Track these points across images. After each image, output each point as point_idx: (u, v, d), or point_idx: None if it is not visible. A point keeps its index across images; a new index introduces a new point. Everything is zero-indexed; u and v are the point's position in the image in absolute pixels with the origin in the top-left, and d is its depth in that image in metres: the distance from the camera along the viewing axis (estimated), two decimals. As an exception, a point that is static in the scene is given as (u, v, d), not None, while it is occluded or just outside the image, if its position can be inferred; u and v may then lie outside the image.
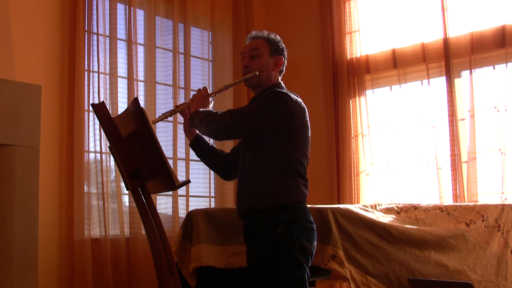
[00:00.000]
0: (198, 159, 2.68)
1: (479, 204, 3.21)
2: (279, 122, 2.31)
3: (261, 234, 2.29)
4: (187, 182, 2.30)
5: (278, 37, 2.56)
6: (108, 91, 3.60)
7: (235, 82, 2.61)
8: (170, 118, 3.87)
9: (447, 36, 3.87)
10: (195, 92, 2.53)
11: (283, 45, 2.56)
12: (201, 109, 2.43)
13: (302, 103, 2.41)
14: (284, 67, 2.56)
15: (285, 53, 2.56)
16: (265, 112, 2.33)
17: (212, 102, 2.54)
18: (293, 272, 2.22)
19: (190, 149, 2.67)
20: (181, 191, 3.91)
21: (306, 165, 2.40)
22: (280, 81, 2.54)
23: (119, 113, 2.78)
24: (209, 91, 2.53)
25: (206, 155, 2.64)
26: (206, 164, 2.71)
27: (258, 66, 2.46)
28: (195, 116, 2.43)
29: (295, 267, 2.23)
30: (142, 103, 3.51)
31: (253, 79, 2.46)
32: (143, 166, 2.09)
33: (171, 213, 3.84)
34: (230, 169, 2.61)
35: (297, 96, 2.42)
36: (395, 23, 4.19)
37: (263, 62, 2.47)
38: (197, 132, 2.58)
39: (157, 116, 3.77)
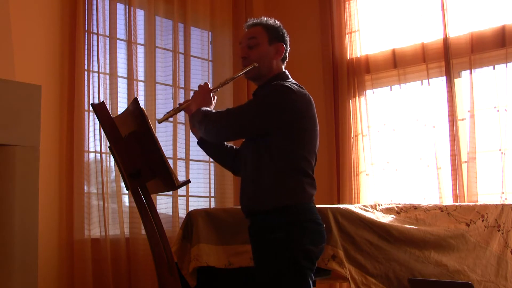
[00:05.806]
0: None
1: (479, 204, 3.21)
2: (281, 117, 2.17)
3: (262, 237, 2.19)
4: (187, 182, 2.28)
5: (278, 23, 2.39)
6: (108, 91, 3.60)
7: (235, 76, 2.43)
8: (170, 118, 3.85)
9: (447, 36, 3.87)
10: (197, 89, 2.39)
11: (283, 30, 2.39)
12: (202, 109, 2.28)
13: (307, 94, 2.26)
14: (287, 54, 2.40)
15: (287, 39, 2.40)
16: (264, 109, 2.18)
17: (215, 98, 2.39)
18: (293, 278, 2.11)
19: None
20: (181, 191, 3.91)
21: (313, 162, 2.27)
22: (284, 70, 2.39)
23: (119, 113, 2.78)
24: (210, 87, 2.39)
25: (215, 151, 2.51)
26: (215, 160, 2.59)
27: (257, 56, 2.31)
28: (194, 118, 2.29)
29: (296, 272, 2.11)
30: (142, 103, 3.50)
31: (252, 71, 2.31)
32: (143, 166, 2.09)
33: (171, 213, 3.84)
34: (240, 165, 2.41)
35: (302, 88, 2.27)
36: (395, 23, 4.19)
37: (262, 51, 2.31)
38: None
39: (158, 116, 3.87)
